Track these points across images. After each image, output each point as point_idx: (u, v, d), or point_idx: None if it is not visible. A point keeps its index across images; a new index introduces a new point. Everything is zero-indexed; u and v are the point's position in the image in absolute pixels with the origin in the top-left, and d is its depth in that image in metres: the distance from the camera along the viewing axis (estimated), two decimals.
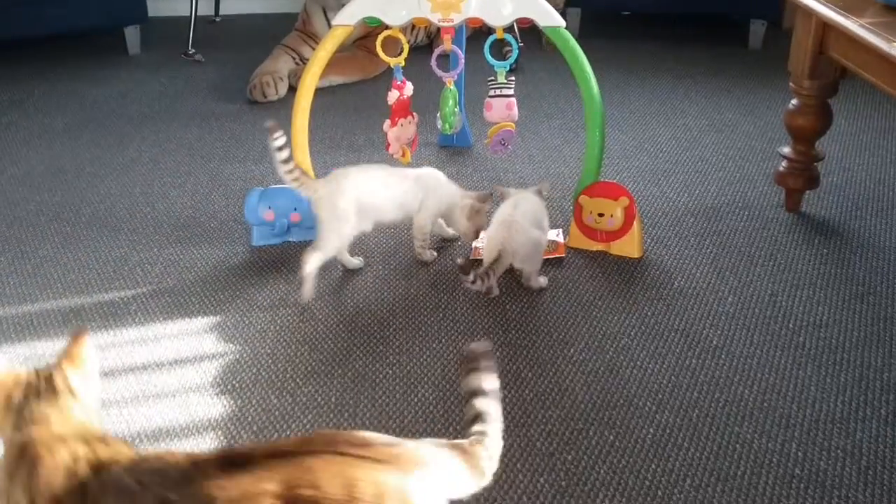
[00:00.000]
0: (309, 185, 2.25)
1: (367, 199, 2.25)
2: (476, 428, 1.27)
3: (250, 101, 3.52)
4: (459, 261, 2.13)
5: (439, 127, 2.71)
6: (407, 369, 1.96)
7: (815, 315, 2.15)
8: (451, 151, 3.06)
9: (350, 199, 2.23)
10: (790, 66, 2.48)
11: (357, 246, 2.44)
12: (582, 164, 2.51)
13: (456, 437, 1.73)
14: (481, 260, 2.25)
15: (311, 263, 2.21)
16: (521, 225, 2.18)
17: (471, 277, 2.09)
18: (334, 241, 2.24)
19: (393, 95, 2.55)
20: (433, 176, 2.38)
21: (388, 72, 2.61)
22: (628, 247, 2.39)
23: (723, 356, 2.01)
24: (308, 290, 2.22)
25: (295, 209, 2.43)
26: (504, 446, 1.71)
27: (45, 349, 2.03)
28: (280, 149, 2.16)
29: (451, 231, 2.46)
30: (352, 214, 2.23)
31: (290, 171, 2.20)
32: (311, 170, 2.59)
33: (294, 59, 3.70)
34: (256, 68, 3.60)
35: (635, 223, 2.37)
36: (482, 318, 2.14)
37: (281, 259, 2.41)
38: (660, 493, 1.63)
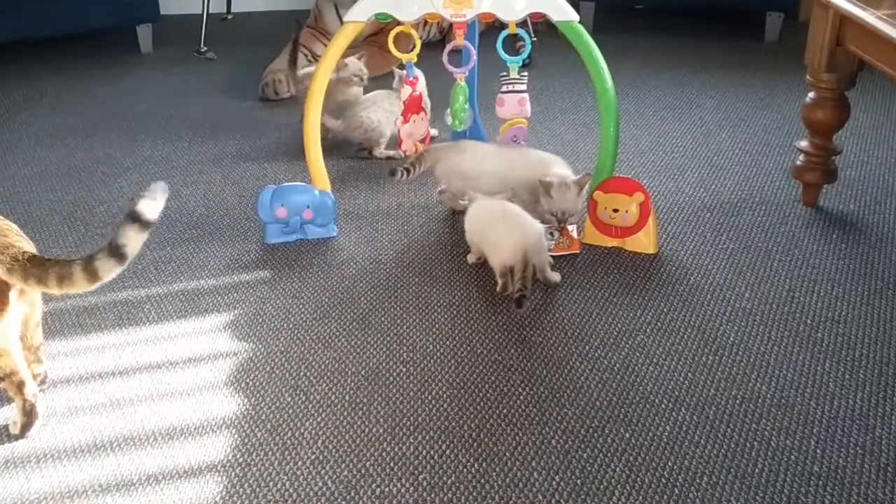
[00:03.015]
0: (427, 155, 2.47)
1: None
2: None
3: (262, 99, 3.52)
4: (515, 295, 2.09)
5: (448, 123, 2.70)
6: (420, 367, 1.95)
7: (833, 311, 2.13)
8: None
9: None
10: (807, 59, 2.45)
11: (369, 244, 2.43)
12: (596, 159, 2.50)
13: (471, 437, 1.73)
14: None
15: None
16: (524, 217, 2.17)
17: (516, 294, 2.07)
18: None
19: (405, 91, 2.54)
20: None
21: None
22: (644, 243, 2.37)
23: (740, 353, 1.99)
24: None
25: (308, 206, 2.42)
26: (519, 444, 1.72)
27: (59, 348, 2.03)
28: (407, 174, 2.44)
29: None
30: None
31: (419, 163, 2.44)
32: (325, 166, 2.58)
33: (306, 56, 3.69)
34: (268, 66, 3.60)
35: (651, 219, 2.35)
36: (496, 316, 2.12)
37: (294, 257, 2.40)
38: (676, 491, 1.61)
